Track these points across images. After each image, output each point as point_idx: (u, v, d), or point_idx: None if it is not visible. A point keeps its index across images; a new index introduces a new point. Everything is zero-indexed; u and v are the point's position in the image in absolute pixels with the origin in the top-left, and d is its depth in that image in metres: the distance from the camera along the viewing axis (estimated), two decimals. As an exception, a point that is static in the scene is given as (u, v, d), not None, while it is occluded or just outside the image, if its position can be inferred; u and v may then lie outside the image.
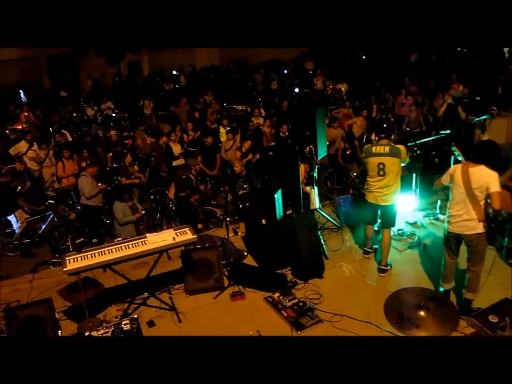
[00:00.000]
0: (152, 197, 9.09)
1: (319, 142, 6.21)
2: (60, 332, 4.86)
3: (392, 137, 5.79)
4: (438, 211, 6.96)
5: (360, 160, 8.90)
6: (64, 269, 4.63)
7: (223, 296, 5.43)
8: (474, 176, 4.41)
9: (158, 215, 8.46)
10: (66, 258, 4.77)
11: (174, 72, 22.79)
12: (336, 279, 5.63)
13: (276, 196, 5.91)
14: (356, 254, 6.16)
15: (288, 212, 6.24)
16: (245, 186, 8.20)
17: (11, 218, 8.14)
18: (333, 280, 5.61)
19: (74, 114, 15.42)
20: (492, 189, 4.32)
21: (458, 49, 18.14)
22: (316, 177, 6.55)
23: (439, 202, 6.98)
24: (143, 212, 7.88)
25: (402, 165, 5.52)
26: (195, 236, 5.19)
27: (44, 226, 8.51)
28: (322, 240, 6.20)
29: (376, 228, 6.08)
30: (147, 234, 5.26)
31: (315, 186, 6.53)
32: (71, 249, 6.79)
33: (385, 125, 5.63)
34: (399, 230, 6.53)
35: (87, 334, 4.58)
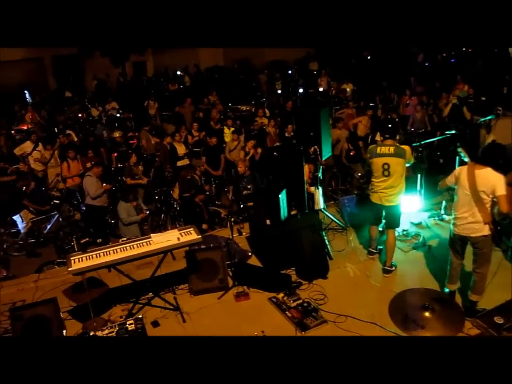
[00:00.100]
0: (156, 197, 9.11)
1: (323, 143, 6.20)
2: (64, 331, 4.87)
3: (397, 137, 5.77)
4: (442, 212, 6.94)
5: (364, 161, 8.89)
6: (69, 269, 4.64)
7: (227, 296, 5.43)
8: (480, 179, 4.39)
9: (163, 215, 8.47)
10: (71, 258, 4.78)
11: (179, 73, 22.85)
12: (340, 280, 5.62)
13: (280, 196, 5.91)
14: (360, 255, 6.14)
15: (293, 212, 6.23)
16: (249, 186, 8.21)
17: (16, 218, 8.19)
18: (337, 280, 5.60)
19: (79, 115, 15.48)
20: (498, 192, 4.29)
21: (464, 49, 18.08)
22: (321, 178, 6.54)
23: (444, 203, 6.95)
24: (148, 212, 7.89)
25: (407, 165, 5.50)
26: (199, 236, 5.19)
27: (49, 226, 8.55)
28: (326, 241, 6.19)
29: (380, 229, 6.06)
30: (152, 235, 5.26)
31: (319, 187, 6.53)
32: (76, 249, 6.81)
33: (390, 125, 5.61)
34: (403, 230, 6.51)
35: (92, 333, 4.60)
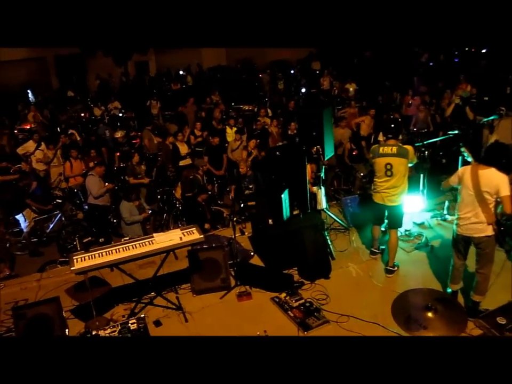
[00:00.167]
0: (159, 196, 9.12)
1: (326, 142, 6.20)
2: (67, 330, 4.88)
3: (400, 137, 5.76)
4: (445, 212, 6.92)
5: (367, 161, 8.88)
6: (72, 268, 4.65)
7: (229, 296, 5.43)
8: (484, 179, 4.37)
9: (165, 215, 8.48)
10: (74, 257, 4.79)
11: (181, 72, 22.86)
12: (343, 280, 5.61)
13: (282, 196, 5.91)
14: (362, 255, 6.13)
15: (295, 212, 6.23)
16: (251, 186, 8.21)
17: (19, 217, 8.20)
18: (339, 280, 5.60)
19: (82, 114, 15.51)
20: (502, 193, 4.27)
21: (467, 49, 18.04)
22: (323, 178, 6.54)
23: (446, 203, 6.94)
24: (150, 211, 7.90)
25: (410, 165, 5.49)
26: (202, 236, 5.19)
27: (51, 226, 8.56)
28: (329, 241, 6.18)
29: (383, 229, 6.05)
30: (154, 234, 5.27)
31: (322, 187, 6.52)
32: (78, 249, 6.82)
33: (392, 125, 5.60)
34: (406, 230, 6.50)
35: (94, 333, 4.60)
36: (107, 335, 4.62)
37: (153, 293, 5.43)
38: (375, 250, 6.02)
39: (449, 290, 4.94)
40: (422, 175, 6.95)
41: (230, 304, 5.29)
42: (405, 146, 5.46)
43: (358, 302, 5.08)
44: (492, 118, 8.18)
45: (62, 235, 8.27)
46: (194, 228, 5.32)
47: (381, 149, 5.46)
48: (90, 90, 21.86)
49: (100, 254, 4.85)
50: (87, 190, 8.10)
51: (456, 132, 7.52)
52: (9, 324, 5.06)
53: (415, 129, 11.25)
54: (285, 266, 5.85)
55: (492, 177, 4.34)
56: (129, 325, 4.76)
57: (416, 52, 18.61)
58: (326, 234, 6.25)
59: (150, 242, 5.06)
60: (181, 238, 5.09)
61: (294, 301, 5.11)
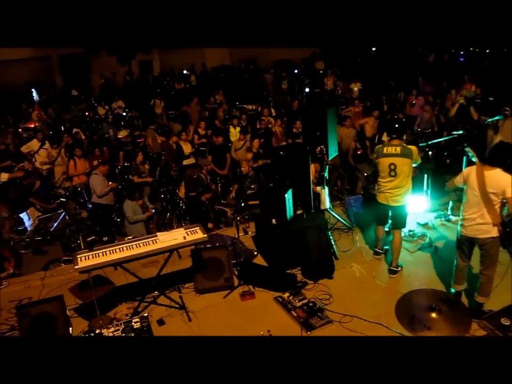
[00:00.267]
0: (162, 196, 9.14)
1: (330, 142, 6.19)
2: (71, 329, 4.89)
3: (404, 137, 5.75)
4: (449, 212, 6.90)
5: (370, 160, 8.87)
6: (76, 267, 4.66)
7: (233, 295, 5.44)
8: (489, 180, 4.34)
9: (168, 214, 8.49)
10: (78, 256, 4.80)
11: (185, 72, 22.86)
12: (346, 280, 5.60)
13: (286, 195, 5.91)
14: (366, 255, 6.12)
15: (299, 212, 6.23)
16: (252, 186, 8.22)
17: (23, 216, 8.23)
18: (343, 280, 5.59)
19: (86, 113, 15.54)
20: (508, 194, 4.24)
21: (471, 49, 17.98)
22: (327, 177, 6.53)
23: (450, 204, 6.92)
24: (153, 210, 7.92)
25: (414, 165, 5.48)
26: (205, 235, 5.19)
27: (55, 224, 8.59)
28: (332, 241, 6.18)
29: (387, 229, 6.04)
30: (158, 233, 5.28)
31: (326, 186, 6.52)
32: (82, 247, 6.84)
33: (397, 125, 5.59)
34: (410, 231, 6.48)
35: (97, 331, 4.62)
36: (110, 333, 4.63)
37: (156, 292, 5.44)
38: (378, 250, 6.01)
39: (452, 290, 4.92)
40: (426, 176, 6.93)
41: (233, 304, 5.29)
42: (409, 146, 5.45)
43: (361, 302, 5.07)
44: (496, 118, 8.15)
45: (66, 234, 8.30)
46: (198, 227, 5.32)
47: (384, 149, 5.45)
48: (94, 90, 21.89)
49: (104, 253, 4.86)
50: (91, 189, 8.12)
51: (460, 132, 7.50)
52: (13, 322, 5.08)
53: (419, 129, 11.22)
54: (288, 266, 5.85)
55: (498, 178, 4.31)
56: (133, 323, 4.77)
57: (423, 52, 18.54)
58: (330, 234, 6.24)
59: (154, 241, 5.07)
60: (184, 237, 5.09)
61: (297, 301, 5.11)
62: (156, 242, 5.05)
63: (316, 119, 6.17)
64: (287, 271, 5.78)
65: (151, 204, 8.27)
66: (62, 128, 13.57)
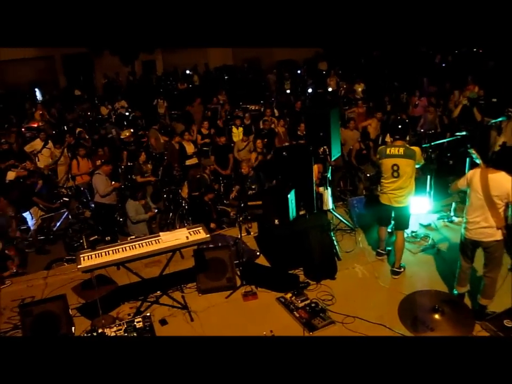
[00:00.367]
0: (165, 195, 9.15)
1: (333, 143, 6.19)
2: (73, 328, 4.91)
3: (407, 138, 5.74)
4: (452, 213, 6.89)
5: (373, 161, 8.85)
6: (79, 266, 4.66)
7: (235, 295, 5.44)
8: (493, 183, 4.31)
9: (171, 214, 8.49)
10: (81, 255, 4.80)
11: (188, 72, 22.88)
12: (348, 281, 5.60)
13: (289, 196, 5.90)
14: (368, 256, 6.11)
15: (301, 213, 6.23)
16: (253, 186, 8.22)
17: (26, 215, 8.26)
18: (345, 281, 5.59)
19: (89, 113, 15.58)
20: None
21: (475, 49, 17.93)
22: (329, 178, 6.52)
23: (453, 205, 6.90)
24: (156, 210, 7.92)
25: (417, 166, 5.47)
26: (208, 235, 5.19)
27: (58, 224, 8.61)
28: (335, 241, 6.17)
29: (389, 230, 6.03)
30: (161, 233, 5.28)
31: (328, 187, 6.51)
32: (85, 247, 6.86)
33: (400, 126, 5.59)
34: (412, 232, 6.47)
35: (100, 331, 4.62)
36: (113, 333, 4.63)
37: (159, 292, 5.44)
38: (381, 251, 6.00)
39: (455, 292, 4.91)
40: (429, 177, 6.91)
41: (236, 304, 5.29)
42: (412, 147, 5.44)
43: (364, 303, 5.07)
44: (500, 119, 8.12)
45: (69, 233, 8.32)
46: (200, 227, 5.32)
47: (388, 150, 5.44)
48: (97, 89, 21.94)
49: (106, 253, 4.86)
50: (93, 188, 8.13)
51: (463, 133, 7.47)
52: (16, 321, 5.09)
53: (422, 130, 11.21)
54: (291, 267, 5.84)
55: (502, 181, 4.28)
56: (135, 323, 4.77)
57: (429, 53, 18.49)
58: (332, 235, 6.24)
59: (157, 241, 5.07)
60: (187, 237, 5.09)
61: (299, 301, 5.10)
62: (159, 242, 5.05)
63: (319, 120, 6.17)
64: (290, 272, 5.77)
65: (154, 203, 8.28)
66: (65, 128, 13.60)
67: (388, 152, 5.41)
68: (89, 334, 4.72)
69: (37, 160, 10.08)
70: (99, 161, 9.05)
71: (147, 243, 5.03)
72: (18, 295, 5.71)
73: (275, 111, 12.84)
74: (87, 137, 11.93)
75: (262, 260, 6.18)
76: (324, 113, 6.16)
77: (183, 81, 19.89)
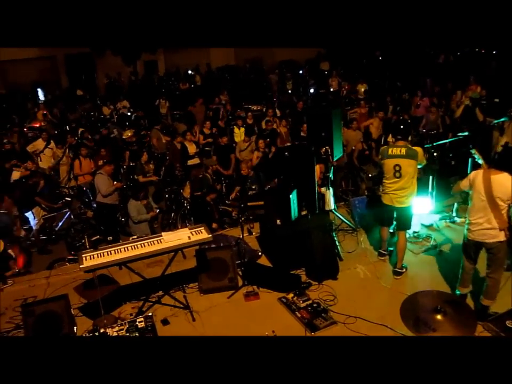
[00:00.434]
0: (167, 195, 9.15)
1: (335, 143, 6.19)
2: (75, 328, 4.91)
3: (409, 138, 5.73)
4: (454, 214, 6.88)
5: (375, 162, 8.85)
6: (81, 266, 4.67)
7: (237, 295, 5.44)
8: (496, 184, 4.30)
9: (173, 214, 8.50)
10: (83, 255, 4.81)
11: (190, 72, 22.88)
12: (350, 281, 5.60)
13: (291, 196, 5.90)
14: (370, 256, 6.11)
15: (303, 213, 6.22)
16: (253, 187, 8.22)
17: (28, 215, 8.27)
18: (347, 282, 5.58)
19: (91, 113, 15.59)
20: None
21: (477, 49, 17.90)
22: (332, 178, 6.52)
23: (455, 205, 6.90)
24: (158, 210, 7.93)
25: (419, 167, 5.46)
26: (210, 235, 5.19)
27: (60, 224, 8.61)
28: (337, 242, 6.17)
29: (391, 230, 6.02)
30: (163, 233, 5.28)
31: (330, 187, 6.51)
32: (87, 247, 6.86)
33: (402, 127, 5.58)
34: (414, 232, 6.46)
35: (102, 330, 4.63)
36: (115, 333, 4.64)
37: (161, 292, 5.45)
38: (383, 251, 5.99)
39: (457, 292, 4.90)
40: (431, 177, 6.90)
41: (237, 304, 5.30)
42: (414, 147, 5.43)
43: (365, 303, 5.07)
44: (502, 119, 8.11)
45: (71, 233, 8.32)
46: (202, 227, 5.32)
47: (390, 150, 5.43)
48: (100, 89, 21.95)
49: (109, 252, 4.87)
50: (96, 188, 8.14)
51: (465, 133, 7.47)
52: (18, 320, 5.10)
53: (424, 130, 11.19)
54: (293, 267, 5.84)
55: (505, 183, 4.26)
56: (137, 323, 4.77)
57: (431, 53, 18.46)
58: (334, 235, 6.23)
59: (159, 241, 5.07)
60: (189, 237, 5.09)
61: (301, 302, 5.10)
62: (161, 242, 5.05)
63: (321, 120, 6.17)
64: (292, 272, 5.77)
65: (155, 203, 8.29)
66: (67, 128, 13.62)
67: (389, 152, 5.41)
68: (91, 334, 4.73)
69: (39, 160, 10.09)
70: (101, 161, 9.05)
71: (149, 243, 5.03)
72: (21, 295, 5.72)
73: (277, 111, 12.83)
74: (90, 137, 11.93)
75: (263, 260, 6.18)
76: (325, 114, 6.16)
77: (185, 81, 19.88)
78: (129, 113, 15.22)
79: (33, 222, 8.30)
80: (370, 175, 9.05)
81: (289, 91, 18.07)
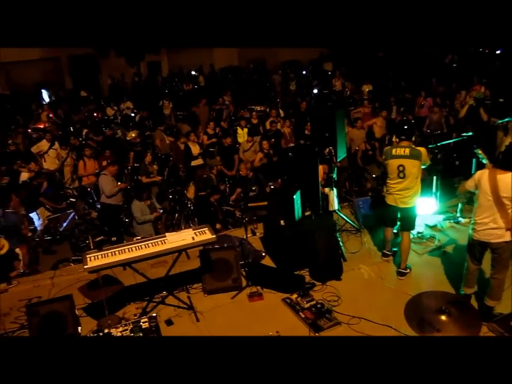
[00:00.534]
0: (170, 196, 9.17)
1: (338, 144, 6.18)
2: (79, 328, 4.93)
3: (413, 139, 5.72)
4: (458, 214, 6.86)
5: (379, 162, 8.84)
6: (85, 267, 4.68)
7: (241, 296, 5.44)
8: (502, 184, 4.27)
9: (176, 214, 8.51)
10: (87, 256, 4.82)
11: (193, 73, 22.93)
12: (354, 282, 5.59)
13: (294, 197, 5.90)
14: (374, 257, 6.10)
15: (307, 213, 6.22)
16: (254, 188, 8.23)
17: (33, 215, 8.30)
18: (351, 282, 5.57)
19: (95, 114, 15.64)
20: None
21: (481, 49, 17.85)
22: (335, 179, 6.52)
23: (459, 206, 6.88)
24: (161, 211, 7.94)
25: (423, 167, 5.45)
26: (214, 236, 5.19)
27: (64, 224, 8.63)
28: (340, 242, 6.16)
29: (395, 231, 6.01)
30: (167, 234, 5.29)
31: (334, 188, 6.50)
32: (91, 247, 6.87)
33: (405, 127, 5.57)
34: (418, 233, 6.45)
35: (106, 331, 4.63)
36: (119, 333, 4.64)
37: (165, 292, 5.45)
38: (387, 252, 5.98)
39: (462, 292, 4.89)
40: (435, 177, 6.89)
41: (241, 304, 5.30)
42: (418, 148, 5.42)
43: (369, 304, 5.05)
44: (506, 119, 8.08)
45: (75, 233, 8.34)
46: (206, 228, 5.33)
47: (393, 150, 5.42)
48: (103, 91, 22.02)
49: (113, 253, 4.87)
50: (100, 189, 8.16)
51: (470, 133, 7.45)
52: (22, 320, 5.12)
53: (428, 130, 11.17)
54: (296, 267, 5.84)
55: (511, 182, 4.26)
56: (141, 323, 4.77)
57: (434, 53, 18.41)
58: (338, 235, 6.23)
59: (163, 241, 5.08)
60: (193, 238, 5.10)
61: (305, 302, 5.10)
62: (165, 242, 5.06)
63: (325, 120, 6.17)
64: (295, 272, 5.77)
65: (159, 203, 8.30)
66: (71, 129, 13.67)
67: (393, 152, 5.40)
68: (95, 334, 4.73)
69: (43, 161, 10.13)
70: (105, 162, 9.08)
71: (153, 244, 5.04)
72: (25, 295, 5.73)
73: (280, 111, 12.84)
74: (94, 138, 11.97)
75: (267, 261, 6.18)
76: (329, 114, 6.17)
77: (189, 82, 19.93)
78: (133, 114, 15.26)
79: (37, 222, 8.32)
80: (374, 176, 9.04)
81: (293, 91, 18.07)
